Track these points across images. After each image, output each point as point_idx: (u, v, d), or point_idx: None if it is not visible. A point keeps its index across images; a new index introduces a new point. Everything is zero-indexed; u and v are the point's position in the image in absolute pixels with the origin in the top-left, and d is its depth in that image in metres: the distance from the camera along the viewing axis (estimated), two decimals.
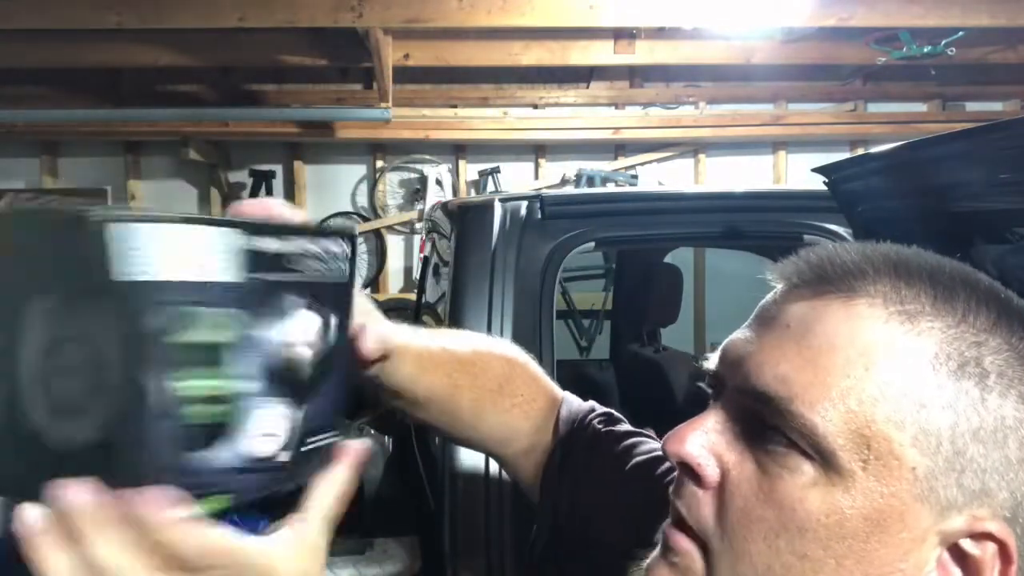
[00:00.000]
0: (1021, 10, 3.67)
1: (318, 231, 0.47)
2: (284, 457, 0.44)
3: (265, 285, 0.43)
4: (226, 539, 0.39)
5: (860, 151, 4.46)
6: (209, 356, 0.40)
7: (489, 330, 1.51)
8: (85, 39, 3.98)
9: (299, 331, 0.45)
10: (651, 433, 0.77)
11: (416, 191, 4.96)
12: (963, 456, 0.42)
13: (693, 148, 5.09)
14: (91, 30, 3.75)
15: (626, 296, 3.26)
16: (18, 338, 0.39)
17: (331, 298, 0.48)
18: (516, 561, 1.42)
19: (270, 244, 0.44)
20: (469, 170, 5.04)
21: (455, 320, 1.53)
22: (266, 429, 0.43)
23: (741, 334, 0.51)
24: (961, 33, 3.86)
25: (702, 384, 0.53)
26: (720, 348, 0.52)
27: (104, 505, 0.36)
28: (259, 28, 3.72)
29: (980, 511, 0.43)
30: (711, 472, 0.48)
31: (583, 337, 4.88)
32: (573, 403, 0.80)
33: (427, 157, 4.92)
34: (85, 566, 0.36)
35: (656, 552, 0.51)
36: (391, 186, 5.03)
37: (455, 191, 4.95)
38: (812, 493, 0.44)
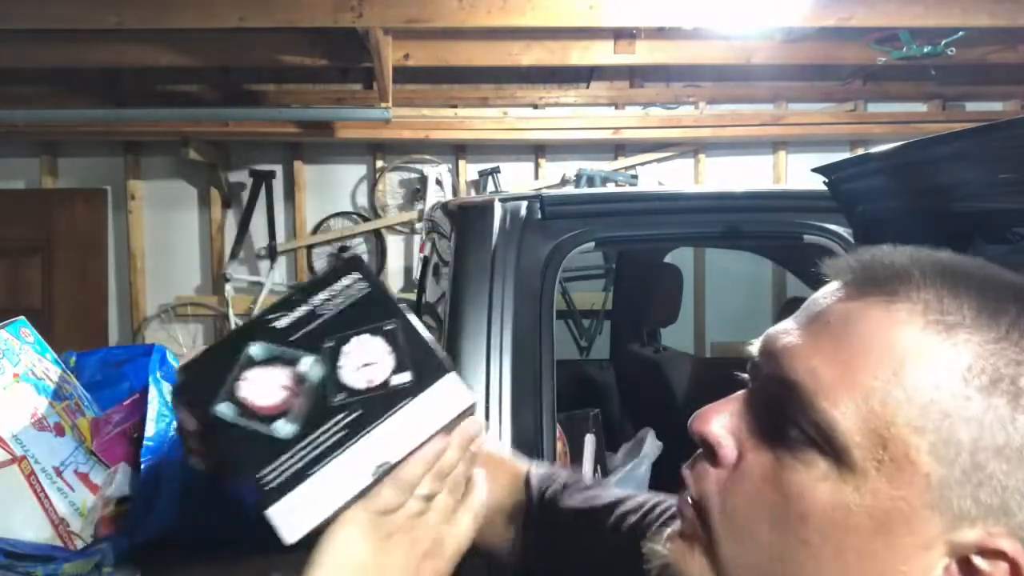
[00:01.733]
0: (1021, 10, 3.66)
1: (316, 284, 0.60)
2: None
3: (303, 344, 0.58)
4: None
5: (860, 151, 4.46)
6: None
7: (489, 330, 1.51)
8: (85, 39, 3.98)
9: (357, 361, 0.58)
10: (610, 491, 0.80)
11: (416, 191, 4.96)
12: (983, 471, 0.42)
13: (693, 148, 5.08)
14: (91, 30, 3.74)
15: (626, 296, 3.26)
16: None
17: (366, 315, 0.60)
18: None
19: (284, 321, 0.59)
20: (469, 170, 5.04)
21: (455, 320, 1.53)
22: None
23: (784, 325, 0.51)
24: (961, 33, 3.86)
25: (742, 373, 0.54)
26: (763, 336, 0.53)
27: None
28: (259, 28, 3.71)
29: (996, 528, 0.42)
30: (729, 452, 0.50)
31: (583, 337, 4.87)
32: (540, 472, 0.85)
33: (427, 157, 4.92)
34: None
35: (675, 524, 0.54)
36: (391, 186, 5.03)
37: (455, 191, 4.95)
38: (822, 486, 0.44)
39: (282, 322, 0.58)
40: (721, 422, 0.51)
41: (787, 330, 0.50)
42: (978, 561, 0.43)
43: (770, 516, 0.46)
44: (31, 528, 1.40)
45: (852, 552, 0.44)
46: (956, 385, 0.43)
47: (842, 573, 0.44)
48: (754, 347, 0.53)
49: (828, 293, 0.50)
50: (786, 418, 0.46)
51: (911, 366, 0.43)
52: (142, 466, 1.45)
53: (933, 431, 0.43)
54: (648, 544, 0.54)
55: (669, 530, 0.54)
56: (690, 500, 0.52)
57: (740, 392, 0.53)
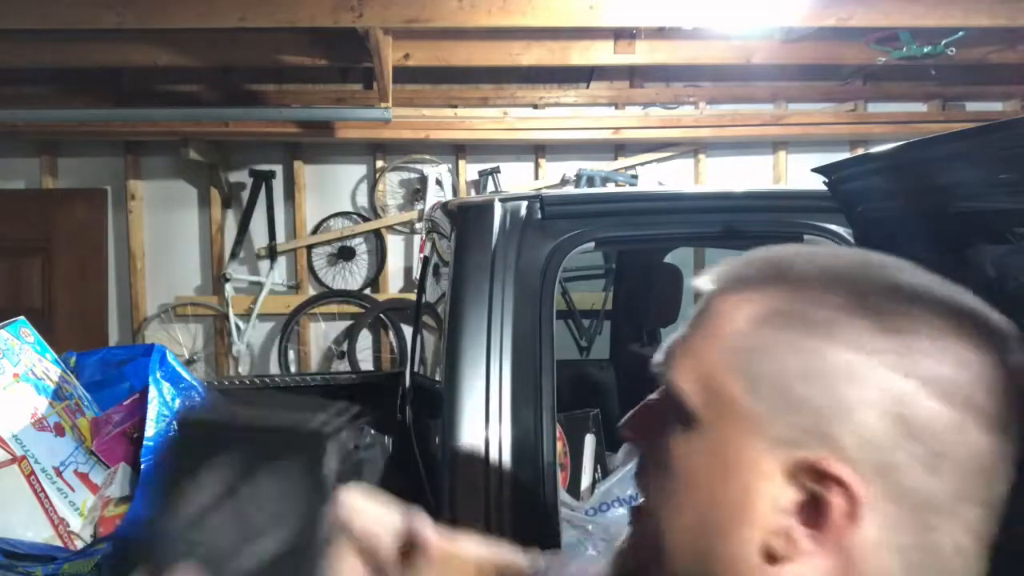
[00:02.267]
0: (1021, 10, 3.66)
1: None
2: None
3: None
4: None
5: (860, 151, 4.46)
6: None
7: (489, 330, 1.51)
8: (85, 39, 3.98)
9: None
10: None
11: (416, 191, 4.96)
12: (793, 397, 0.46)
13: (693, 148, 5.09)
14: (91, 30, 3.74)
15: (626, 296, 3.26)
16: None
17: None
18: None
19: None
20: (469, 170, 5.04)
21: (455, 320, 1.53)
22: None
23: (678, 331, 0.58)
24: (961, 33, 3.86)
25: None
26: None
27: None
28: (259, 28, 3.72)
29: (823, 452, 0.45)
30: (636, 443, 0.58)
31: (583, 337, 4.87)
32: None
33: (427, 157, 4.93)
34: None
35: None
36: (391, 186, 5.03)
37: (455, 191, 4.95)
38: (680, 443, 0.51)
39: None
40: (632, 419, 0.58)
41: (679, 331, 0.57)
42: (813, 486, 0.46)
43: (659, 483, 0.52)
44: (31, 528, 1.40)
45: (704, 491, 0.49)
46: (755, 327, 0.49)
47: (719, 518, 0.48)
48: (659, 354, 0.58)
49: (704, 296, 0.58)
50: (667, 405, 0.53)
51: (722, 321, 0.51)
52: (142, 466, 1.45)
53: (743, 371, 0.48)
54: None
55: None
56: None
57: (652, 394, 0.59)
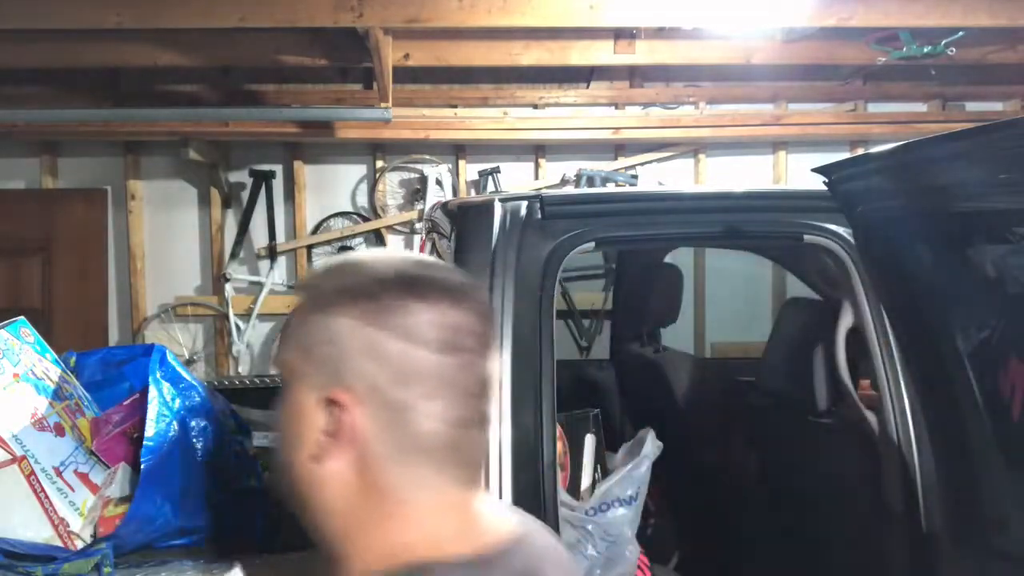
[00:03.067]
0: (1021, 10, 3.66)
1: None
2: None
3: None
4: None
5: (860, 151, 4.46)
6: None
7: None
8: (85, 39, 3.98)
9: None
10: None
11: (416, 191, 4.96)
12: (315, 354, 0.71)
13: (693, 148, 5.08)
14: (91, 30, 3.74)
15: (626, 296, 3.26)
16: None
17: None
18: None
19: None
20: (469, 170, 5.04)
21: None
22: None
23: None
24: (961, 33, 3.86)
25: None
26: None
27: None
28: (259, 28, 3.71)
29: (337, 388, 0.70)
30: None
31: (583, 337, 4.88)
32: None
33: (427, 157, 4.92)
34: None
35: None
36: (391, 186, 5.03)
37: (455, 191, 4.94)
38: (282, 400, 0.75)
39: None
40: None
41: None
42: (334, 411, 0.70)
43: (279, 429, 0.77)
44: (31, 528, 1.40)
45: (291, 431, 0.73)
46: (300, 314, 0.74)
47: (291, 443, 0.73)
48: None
49: None
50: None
51: (291, 316, 0.76)
52: (142, 466, 1.45)
53: (296, 344, 0.74)
54: None
55: None
56: None
57: None
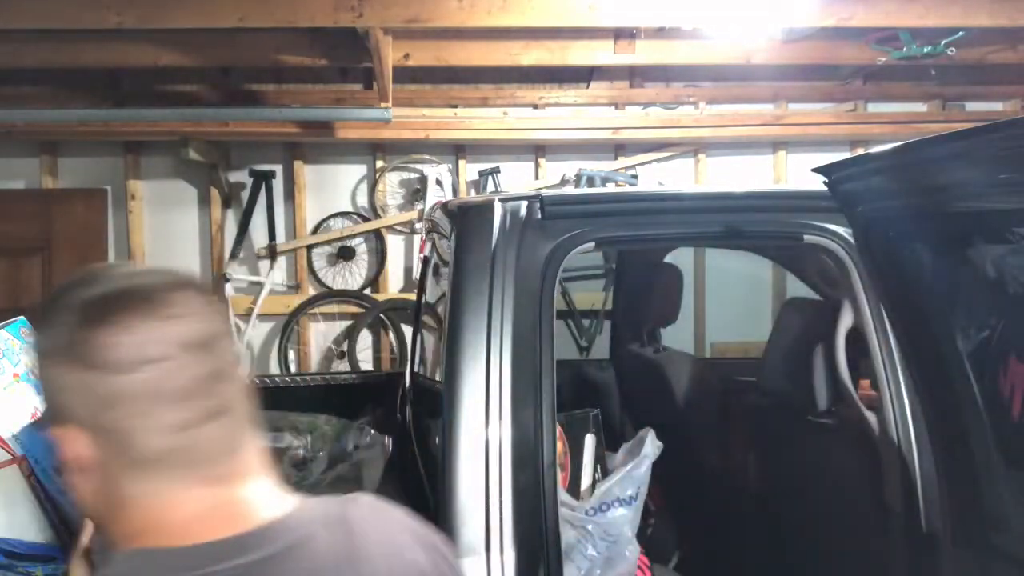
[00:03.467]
0: (1021, 10, 3.66)
1: None
2: None
3: None
4: None
5: (860, 151, 4.46)
6: None
7: (489, 330, 1.51)
8: (85, 39, 3.98)
9: None
10: None
11: (416, 191, 4.96)
12: (46, 400, 0.80)
13: (693, 148, 5.08)
14: (91, 30, 3.74)
15: (626, 296, 3.26)
16: None
17: None
18: (516, 561, 1.42)
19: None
20: (469, 170, 5.04)
21: (455, 320, 1.53)
22: None
23: None
24: (961, 33, 3.86)
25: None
26: None
27: None
28: (259, 28, 3.71)
29: (58, 427, 0.77)
30: None
31: (583, 337, 4.87)
32: None
33: (427, 157, 4.92)
34: None
35: None
36: (391, 186, 5.03)
37: (455, 191, 4.94)
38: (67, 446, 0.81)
39: None
40: None
41: None
42: (61, 444, 0.78)
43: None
44: (31, 528, 1.40)
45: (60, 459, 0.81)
46: (44, 366, 0.80)
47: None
48: None
49: None
50: None
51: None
52: None
53: (41, 385, 0.81)
54: None
55: None
56: None
57: None
